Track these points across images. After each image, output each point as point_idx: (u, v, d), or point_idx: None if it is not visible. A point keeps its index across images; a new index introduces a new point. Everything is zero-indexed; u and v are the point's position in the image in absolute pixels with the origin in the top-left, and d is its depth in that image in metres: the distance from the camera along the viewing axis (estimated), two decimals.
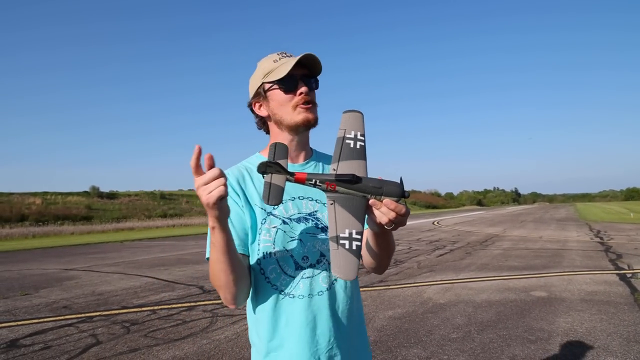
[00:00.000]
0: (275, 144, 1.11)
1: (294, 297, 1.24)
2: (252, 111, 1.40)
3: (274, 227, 1.27)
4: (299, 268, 1.26)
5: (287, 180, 1.05)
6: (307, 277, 1.25)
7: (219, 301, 6.45)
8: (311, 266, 1.27)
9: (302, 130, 1.34)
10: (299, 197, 1.34)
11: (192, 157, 0.99)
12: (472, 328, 4.78)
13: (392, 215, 1.03)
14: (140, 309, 6.08)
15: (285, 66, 1.28)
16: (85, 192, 44.45)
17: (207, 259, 1.25)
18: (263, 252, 1.25)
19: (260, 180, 1.30)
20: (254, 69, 1.40)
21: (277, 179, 1.04)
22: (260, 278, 1.25)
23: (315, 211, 1.33)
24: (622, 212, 37.80)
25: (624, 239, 14.32)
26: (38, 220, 30.28)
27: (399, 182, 1.05)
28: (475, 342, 4.30)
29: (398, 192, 1.04)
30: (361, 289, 6.98)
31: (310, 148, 1.47)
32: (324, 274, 1.27)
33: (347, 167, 1.10)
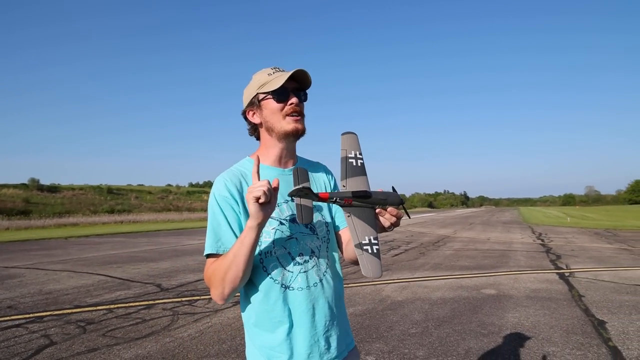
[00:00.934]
0: (297, 169, 1.28)
1: (294, 289, 1.40)
2: (246, 119, 1.54)
3: (273, 228, 1.41)
4: (297, 264, 1.41)
5: (313, 200, 1.22)
6: (303, 272, 1.42)
7: (179, 299, 6.36)
8: (305, 262, 1.43)
9: (290, 139, 1.48)
10: (292, 200, 1.45)
11: (253, 166, 1.29)
12: (430, 324, 5.01)
13: (394, 220, 1.29)
14: (95, 308, 5.88)
15: (279, 79, 1.43)
16: (23, 184, 41.83)
17: (207, 255, 1.38)
18: (265, 251, 1.39)
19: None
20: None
21: (305, 200, 1.21)
22: (263, 274, 1.38)
23: None
24: (560, 217, 40.48)
25: (562, 241, 15.38)
26: None
27: (396, 193, 1.31)
28: (433, 337, 4.52)
29: (398, 201, 1.30)
30: None
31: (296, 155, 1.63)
32: (316, 268, 1.45)
33: (354, 183, 1.31)
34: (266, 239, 1.40)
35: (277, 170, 1.52)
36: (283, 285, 1.40)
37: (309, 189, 1.19)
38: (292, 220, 1.44)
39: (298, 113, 1.47)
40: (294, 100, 1.45)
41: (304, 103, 1.52)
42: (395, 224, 1.30)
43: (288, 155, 1.53)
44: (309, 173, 1.49)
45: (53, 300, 6.42)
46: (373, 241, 1.22)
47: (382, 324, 5.03)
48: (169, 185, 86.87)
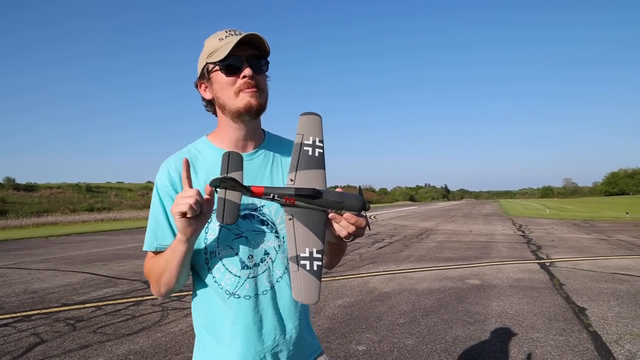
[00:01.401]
0: (229, 154, 1.03)
1: (239, 297, 1.20)
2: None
3: (218, 224, 1.20)
4: (245, 267, 1.21)
5: (243, 194, 0.99)
6: (252, 277, 1.21)
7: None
8: (256, 265, 1.22)
9: (245, 117, 1.23)
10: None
11: (182, 169, 1.10)
12: (417, 313, 5.15)
13: (352, 229, 1.04)
14: (83, 306, 5.85)
15: (228, 46, 1.17)
16: None
17: (146, 250, 1.25)
18: (210, 251, 1.20)
19: (206, 171, 1.25)
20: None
21: (232, 195, 0.97)
22: (208, 277, 1.22)
23: (262, 206, 1.24)
24: (539, 208, 41.45)
25: (542, 232, 15.82)
26: None
27: (358, 194, 1.06)
28: (421, 326, 4.65)
29: (359, 205, 1.04)
30: None
31: (263, 131, 1.38)
32: (267, 273, 1.23)
33: (305, 178, 1.05)
34: (210, 236, 1.21)
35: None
36: (227, 292, 1.21)
37: (234, 180, 0.96)
38: (244, 216, 1.21)
39: (253, 86, 1.21)
40: (247, 72, 1.19)
41: (266, 74, 1.27)
42: (355, 234, 1.05)
43: (248, 137, 1.29)
44: (279, 157, 1.33)
45: (39, 299, 6.35)
46: (315, 255, 0.97)
47: (370, 314, 5.14)
48: (149, 182, 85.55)
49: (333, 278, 7.38)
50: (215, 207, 1.08)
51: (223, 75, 1.21)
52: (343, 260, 9.49)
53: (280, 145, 1.38)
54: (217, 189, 0.98)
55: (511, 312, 5.14)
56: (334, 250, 1.29)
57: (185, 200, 1.01)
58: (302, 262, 0.96)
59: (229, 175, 0.98)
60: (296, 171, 1.06)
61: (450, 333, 4.41)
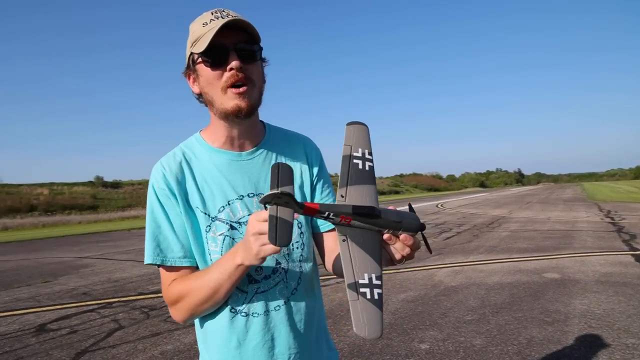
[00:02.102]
0: (279, 165, 0.89)
1: (247, 315, 1.10)
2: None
3: (221, 234, 1.11)
4: (253, 281, 1.10)
5: (296, 211, 0.88)
6: (262, 292, 1.10)
7: None
8: (266, 277, 1.11)
9: (233, 119, 1.11)
10: (248, 195, 1.15)
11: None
12: (487, 310, 4.86)
13: (408, 251, 0.94)
14: (156, 295, 6.19)
15: (210, 33, 1.03)
16: (90, 182, 44.78)
17: (149, 264, 1.11)
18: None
19: (201, 173, 1.15)
20: None
21: (284, 212, 0.85)
22: None
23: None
24: (632, 191, 37.65)
25: (637, 219, 14.28)
26: (46, 210, 30.71)
27: (415, 214, 0.97)
28: (491, 324, 4.38)
29: (417, 226, 0.95)
30: None
31: (264, 125, 1.25)
32: (281, 285, 1.13)
33: (357, 194, 0.96)
34: (213, 247, 1.10)
35: (228, 154, 1.16)
36: (233, 309, 1.10)
37: (290, 195, 0.84)
38: (246, 222, 1.10)
39: (243, 82, 1.06)
40: (234, 63, 1.04)
41: (259, 63, 1.11)
42: (408, 257, 0.96)
43: (244, 134, 1.17)
44: (283, 155, 1.22)
45: (120, 287, 6.82)
46: (375, 281, 0.87)
47: (435, 310, 4.94)
48: None
49: (397, 270, 7.20)
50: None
51: (208, 69, 1.07)
52: None
53: (283, 140, 1.25)
54: (267, 206, 0.87)
55: (598, 312, 4.66)
56: None
57: (264, 241, 0.88)
58: (361, 289, 0.85)
59: (281, 190, 0.85)
60: (347, 186, 0.97)
61: (524, 333, 4.10)
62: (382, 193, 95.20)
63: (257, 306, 1.10)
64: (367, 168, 1.00)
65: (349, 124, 1.05)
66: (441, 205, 28.28)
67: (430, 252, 1.11)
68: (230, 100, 1.07)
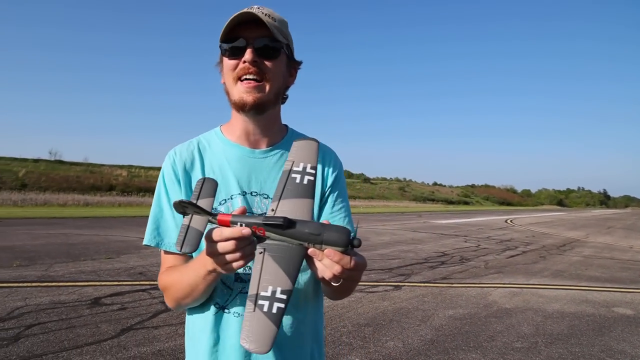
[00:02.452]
0: (203, 179, 0.94)
1: (228, 313, 1.06)
2: None
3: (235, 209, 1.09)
4: (239, 279, 1.06)
5: (210, 222, 0.89)
6: (245, 292, 1.04)
7: None
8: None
9: (244, 113, 1.10)
10: (251, 193, 1.13)
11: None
12: (540, 339, 4.47)
13: (337, 269, 0.83)
14: None
15: (229, 24, 1.06)
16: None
17: (146, 245, 1.11)
18: None
19: (210, 162, 1.15)
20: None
21: (197, 221, 0.88)
22: None
23: (263, 214, 1.08)
24: None
25: None
26: (123, 191, 33.17)
27: (345, 226, 0.87)
28: (542, 355, 4.02)
29: (342, 240, 0.83)
30: (423, 284, 6.84)
31: (286, 127, 1.24)
32: None
33: (289, 208, 0.93)
34: None
35: (241, 149, 1.15)
36: (216, 305, 1.07)
37: (195, 205, 0.86)
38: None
39: (254, 77, 1.06)
40: (247, 56, 1.05)
41: (280, 62, 1.09)
42: (342, 276, 0.84)
43: (260, 132, 1.15)
44: None
45: None
46: (279, 295, 0.82)
47: (483, 332, 4.63)
48: None
49: (450, 285, 6.89)
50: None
51: (226, 58, 1.10)
52: (465, 266, 8.86)
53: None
54: (184, 215, 0.90)
55: None
56: (334, 289, 1.04)
57: (232, 256, 0.85)
58: (260, 302, 0.81)
59: (198, 201, 0.90)
60: (279, 200, 0.94)
61: None
62: (451, 202, 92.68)
63: (239, 306, 1.06)
64: (305, 182, 0.97)
65: (296, 140, 1.05)
66: (511, 221, 26.82)
67: (336, 281, 0.86)
68: (238, 93, 1.07)
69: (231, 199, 1.10)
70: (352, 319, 4.82)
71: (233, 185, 1.12)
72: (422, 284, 6.90)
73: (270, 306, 0.81)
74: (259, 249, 0.87)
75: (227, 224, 0.87)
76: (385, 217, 28.78)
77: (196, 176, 1.12)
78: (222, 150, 1.16)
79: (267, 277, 0.84)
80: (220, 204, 1.10)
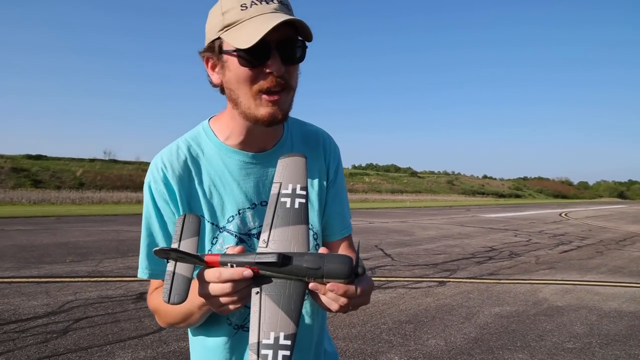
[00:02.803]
0: (184, 216, 0.84)
1: (247, 331, 1.00)
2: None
3: (228, 247, 0.97)
4: None
5: (197, 265, 0.82)
6: None
7: None
8: None
9: (263, 126, 0.95)
10: (260, 204, 1.01)
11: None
12: (594, 340, 4.18)
13: (344, 301, 0.77)
14: None
15: (256, 26, 0.85)
16: None
17: (142, 278, 1.01)
18: None
19: (210, 176, 1.01)
20: None
21: (183, 267, 0.79)
22: None
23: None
24: None
25: None
26: None
27: (345, 256, 0.78)
28: (596, 357, 3.74)
29: (344, 271, 0.76)
30: (469, 280, 6.60)
31: None
32: None
33: (282, 238, 0.84)
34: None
35: (243, 155, 1.02)
36: (235, 325, 1.00)
37: (178, 251, 0.78)
38: (259, 234, 0.96)
39: (281, 89, 0.91)
40: (275, 67, 0.88)
41: (298, 66, 0.94)
42: (346, 306, 0.78)
43: (266, 136, 1.03)
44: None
45: None
46: (282, 341, 0.75)
47: (531, 330, 4.39)
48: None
49: (497, 281, 6.61)
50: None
51: (242, 67, 0.89)
52: (515, 261, 8.49)
53: (302, 138, 1.11)
54: (167, 261, 0.82)
55: None
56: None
57: (226, 299, 0.79)
58: (263, 351, 0.74)
59: (181, 243, 0.82)
60: (270, 230, 0.84)
61: None
62: (502, 196, 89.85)
63: None
64: (296, 206, 0.86)
65: (281, 157, 0.93)
66: (565, 215, 25.54)
67: (344, 312, 0.81)
68: (263, 108, 0.91)
69: (239, 214, 1.00)
70: (392, 316, 4.71)
71: (240, 198, 1.00)
72: (468, 280, 6.66)
73: (275, 355, 0.73)
74: (255, 289, 0.79)
75: (216, 265, 0.79)
76: (432, 211, 28.23)
77: (194, 191, 0.99)
78: (220, 158, 1.02)
79: (267, 321, 0.76)
80: (228, 221, 0.99)
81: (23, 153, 41.42)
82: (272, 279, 0.78)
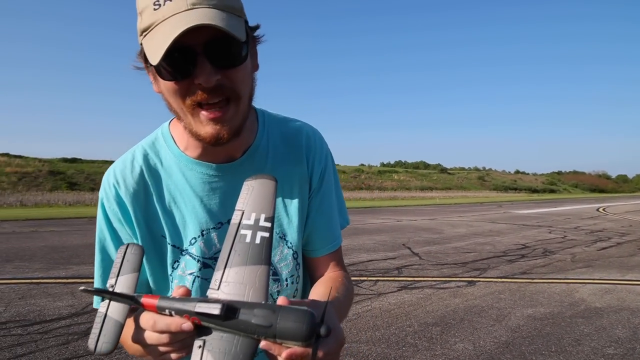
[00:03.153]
0: (127, 247, 0.74)
1: None
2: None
3: (191, 273, 0.87)
4: None
5: (132, 307, 0.72)
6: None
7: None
8: None
9: (210, 146, 0.81)
10: (228, 222, 0.86)
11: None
12: (638, 345, 3.88)
13: None
14: None
15: (165, 31, 0.69)
16: None
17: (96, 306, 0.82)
18: None
19: (170, 191, 0.89)
20: None
21: (116, 310, 0.70)
22: None
23: None
24: None
25: None
26: None
27: (304, 311, 0.60)
28: None
29: (300, 333, 0.59)
30: (500, 280, 6.32)
31: (255, 114, 0.95)
32: None
33: (235, 280, 0.70)
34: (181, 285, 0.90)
35: (206, 168, 0.88)
36: None
37: (109, 292, 0.69)
38: None
39: (222, 100, 0.76)
40: (203, 79, 0.72)
41: (243, 67, 0.77)
42: None
43: (228, 147, 0.87)
44: (280, 158, 0.94)
45: None
46: None
47: (567, 334, 4.12)
48: (362, 165, 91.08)
49: (530, 280, 6.31)
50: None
51: (166, 80, 0.76)
52: (549, 259, 8.12)
53: (281, 139, 0.95)
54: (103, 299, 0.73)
55: None
56: None
57: (165, 349, 0.68)
58: None
59: (118, 279, 0.71)
60: (224, 269, 0.69)
61: None
62: (535, 191, 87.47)
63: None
64: (257, 241, 0.71)
65: (248, 179, 0.77)
66: (603, 210, 24.48)
67: None
68: (203, 126, 0.77)
69: (202, 236, 0.88)
70: (418, 318, 4.54)
71: (203, 218, 0.88)
72: (499, 280, 6.39)
73: None
74: (197, 341, 0.65)
75: (153, 310, 0.67)
76: (463, 207, 27.60)
77: (152, 209, 0.88)
78: (180, 171, 0.89)
79: None
80: (190, 243, 0.88)
81: (60, 157, 43.08)
82: (215, 332, 0.65)
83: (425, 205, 31.91)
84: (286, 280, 0.93)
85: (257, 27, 0.83)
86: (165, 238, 0.88)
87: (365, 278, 6.42)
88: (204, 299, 0.65)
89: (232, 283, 0.68)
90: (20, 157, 41.23)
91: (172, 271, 0.89)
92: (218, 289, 0.68)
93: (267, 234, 0.72)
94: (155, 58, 0.70)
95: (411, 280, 6.26)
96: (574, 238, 11.30)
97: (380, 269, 7.11)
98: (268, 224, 0.72)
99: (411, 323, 4.37)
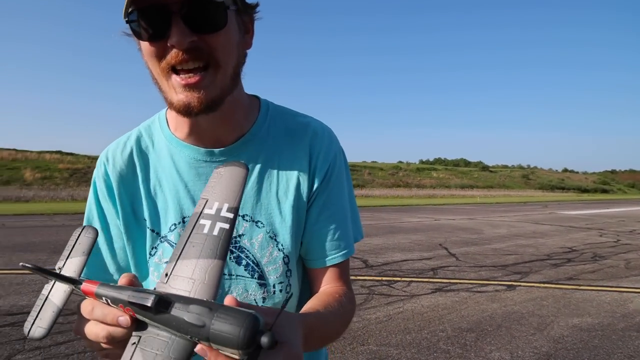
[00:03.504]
0: (83, 229, 0.69)
1: None
2: None
3: (167, 261, 0.77)
4: None
5: (74, 292, 0.65)
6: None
7: (379, 278, 6.28)
8: None
9: (186, 116, 0.77)
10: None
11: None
12: None
13: None
14: None
15: None
16: None
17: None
18: None
19: (157, 173, 0.86)
20: None
21: (56, 294, 0.64)
22: None
23: (241, 235, 0.82)
24: None
25: None
26: None
27: (247, 313, 0.48)
28: None
29: (235, 339, 0.47)
30: (542, 285, 5.98)
31: (257, 100, 0.91)
32: None
33: (185, 272, 0.61)
34: (156, 278, 0.86)
35: (193, 151, 0.85)
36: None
37: (48, 271, 0.62)
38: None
39: (195, 66, 0.71)
40: (175, 39, 0.68)
41: (229, 28, 0.73)
42: None
43: (215, 127, 0.83)
44: (279, 150, 0.87)
45: None
46: None
47: (618, 348, 3.79)
48: (400, 162, 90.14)
49: (577, 287, 5.93)
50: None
51: (142, 41, 0.72)
52: (599, 264, 7.64)
53: (283, 131, 0.88)
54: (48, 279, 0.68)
55: None
56: None
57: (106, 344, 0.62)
58: None
59: (67, 261, 0.66)
60: (176, 261, 0.61)
61: None
62: (585, 191, 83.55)
63: None
64: (215, 232, 0.61)
65: (218, 166, 0.69)
66: None
67: None
68: (175, 93, 0.73)
69: (183, 222, 0.83)
70: (453, 323, 4.33)
71: (186, 204, 0.84)
72: (542, 285, 6.03)
73: None
74: (133, 337, 0.57)
75: (92, 296, 0.60)
76: (505, 207, 26.69)
77: (137, 190, 0.86)
78: (169, 153, 0.86)
79: None
80: (170, 229, 0.84)
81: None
82: (153, 329, 0.55)
83: (465, 204, 31.12)
84: (274, 286, 0.84)
85: (256, 5, 0.81)
86: (147, 222, 0.85)
87: (398, 278, 6.24)
88: (140, 289, 0.56)
89: (180, 277, 0.60)
90: (71, 154, 43.54)
91: (150, 257, 0.85)
92: (166, 282, 0.60)
93: (227, 226, 0.63)
94: (126, 12, 0.69)
95: (446, 282, 6.03)
96: (628, 242, 10.58)
97: (414, 269, 6.90)
98: (230, 215, 0.64)
99: (444, 328, 4.17)
